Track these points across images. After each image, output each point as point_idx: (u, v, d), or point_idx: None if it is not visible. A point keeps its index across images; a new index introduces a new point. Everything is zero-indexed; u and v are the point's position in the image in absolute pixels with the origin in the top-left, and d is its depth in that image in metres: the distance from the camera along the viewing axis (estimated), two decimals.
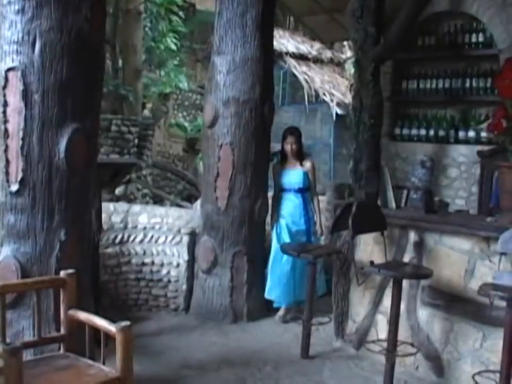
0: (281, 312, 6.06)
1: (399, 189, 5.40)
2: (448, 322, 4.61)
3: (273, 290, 6.09)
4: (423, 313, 4.81)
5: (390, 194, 5.31)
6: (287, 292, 6.01)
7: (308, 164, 6.30)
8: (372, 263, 4.58)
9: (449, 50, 7.28)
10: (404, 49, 6.92)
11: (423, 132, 7.58)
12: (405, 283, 4.68)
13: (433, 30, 7.44)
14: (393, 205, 5.27)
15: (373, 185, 5.50)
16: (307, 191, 6.30)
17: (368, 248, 5.23)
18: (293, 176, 6.23)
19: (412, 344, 4.76)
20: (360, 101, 5.63)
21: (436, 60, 7.48)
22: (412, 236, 4.95)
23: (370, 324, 5.20)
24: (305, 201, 6.26)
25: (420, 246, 4.89)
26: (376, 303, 5.17)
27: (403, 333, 4.75)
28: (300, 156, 6.31)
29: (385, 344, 4.55)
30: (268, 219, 6.40)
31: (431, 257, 4.80)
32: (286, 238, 6.11)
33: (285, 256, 5.87)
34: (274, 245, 6.14)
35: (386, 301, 4.92)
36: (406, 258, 4.96)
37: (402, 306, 4.66)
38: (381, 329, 5.05)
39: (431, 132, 7.49)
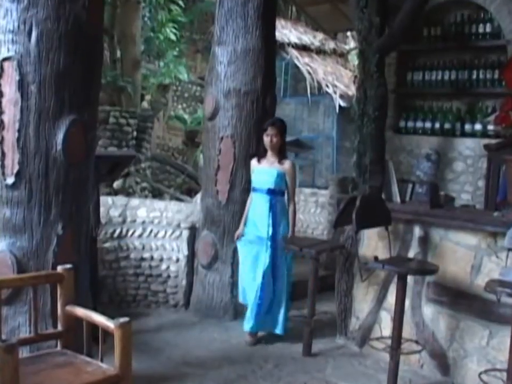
0: (247, 338, 5.43)
1: (404, 183, 5.40)
2: (453, 319, 4.60)
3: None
4: (428, 310, 4.80)
5: (395, 188, 5.29)
6: (259, 320, 5.42)
7: (287, 164, 5.48)
8: (376, 258, 4.56)
9: (455, 41, 7.28)
10: (409, 40, 6.90)
11: (428, 124, 7.58)
12: (410, 279, 4.66)
13: (439, 20, 7.44)
14: (398, 199, 5.25)
15: (377, 179, 5.50)
16: (279, 194, 5.49)
17: (372, 243, 5.21)
18: (266, 175, 5.47)
19: (417, 342, 4.75)
20: (364, 93, 5.63)
21: (441, 50, 7.48)
22: (417, 231, 4.94)
23: (374, 320, 5.20)
24: (274, 206, 5.43)
25: (425, 241, 4.87)
26: (380, 299, 5.16)
27: (408, 330, 4.74)
28: (281, 153, 5.51)
29: (389, 342, 4.53)
30: None
31: (436, 252, 4.78)
32: (245, 250, 5.54)
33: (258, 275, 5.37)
34: (242, 258, 5.62)
35: (391, 298, 4.91)
36: (411, 253, 4.95)
37: (407, 303, 4.65)
38: (385, 326, 5.05)
39: (437, 125, 7.48)
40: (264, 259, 5.37)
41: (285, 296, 5.46)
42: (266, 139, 5.42)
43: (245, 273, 5.52)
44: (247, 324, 5.41)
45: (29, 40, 3.70)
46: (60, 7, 3.71)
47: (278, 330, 5.45)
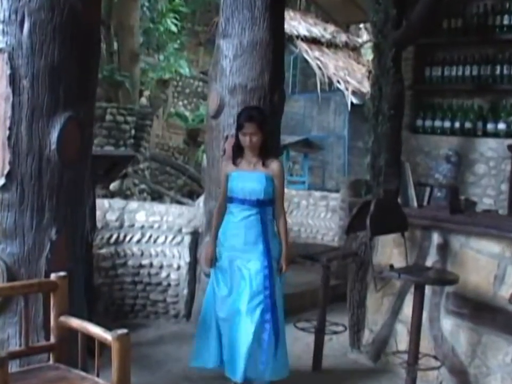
0: None
1: (422, 186, 5.40)
2: (475, 333, 4.58)
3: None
4: (447, 323, 4.79)
5: (411, 191, 5.29)
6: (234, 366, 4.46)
7: (274, 165, 4.56)
8: (391, 267, 4.55)
9: (477, 33, 7.26)
10: (427, 33, 6.87)
11: (447, 123, 7.56)
12: (428, 290, 4.65)
13: (460, 11, 7.41)
14: (415, 203, 5.25)
15: (392, 182, 5.49)
16: (269, 205, 4.56)
17: (387, 251, 5.20)
18: (251, 181, 4.52)
19: (435, 357, 4.73)
20: (379, 90, 5.61)
21: (462, 44, 7.47)
22: (436, 238, 4.93)
23: (389, 333, 5.18)
24: (265, 221, 4.54)
25: (444, 249, 4.86)
26: (396, 311, 5.15)
27: (425, 345, 4.73)
28: (264, 152, 4.59)
29: (405, 357, 4.52)
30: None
31: (456, 261, 4.77)
32: (225, 281, 4.59)
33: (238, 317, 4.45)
34: (209, 293, 4.73)
35: (407, 309, 4.90)
36: (429, 262, 4.94)
37: (425, 315, 4.64)
38: (401, 340, 5.03)
39: (457, 124, 7.46)
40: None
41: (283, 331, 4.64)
42: (243, 138, 4.53)
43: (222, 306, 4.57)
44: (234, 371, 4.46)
45: (21, 31, 3.68)
46: None
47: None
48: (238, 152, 4.64)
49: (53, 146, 3.71)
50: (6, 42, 3.69)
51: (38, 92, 3.68)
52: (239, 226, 4.52)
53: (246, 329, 4.35)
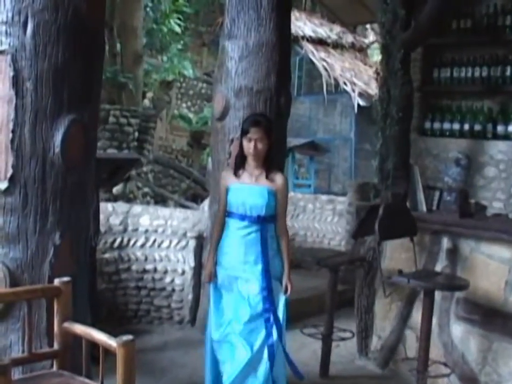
0: None
1: (430, 190, 5.38)
2: (486, 340, 4.57)
3: None
4: (457, 330, 4.78)
5: (420, 195, 5.28)
6: None
7: (278, 179, 4.31)
8: (400, 272, 4.54)
9: (487, 34, 7.21)
10: (436, 34, 6.86)
11: (456, 126, 7.52)
12: (437, 295, 4.64)
13: (469, 11, 7.37)
14: (424, 207, 5.24)
15: (401, 186, 5.47)
16: (271, 221, 4.32)
17: (396, 256, 5.20)
18: (253, 196, 4.27)
19: (445, 364, 4.73)
20: (387, 92, 5.59)
21: (472, 45, 7.42)
22: (445, 242, 4.93)
23: (397, 340, 5.18)
24: (266, 238, 4.28)
25: (453, 253, 4.86)
26: (404, 317, 5.14)
27: (435, 351, 4.72)
28: (268, 163, 4.34)
29: (414, 364, 4.52)
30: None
31: (466, 266, 4.76)
32: (227, 303, 4.37)
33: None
34: (212, 314, 4.43)
35: (416, 315, 4.89)
36: (438, 267, 4.94)
37: (434, 321, 4.63)
38: (410, 347, 5.03)
39: (466, 126, 7.43)
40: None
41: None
42: (247, 145, 4.27)
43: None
44: None
45: (24, 32, 3.68)
46: None
47: None
48: (240, 163, 4.37)
49: (57, 150, 3.71)
50: (9, 44, 3.68)
51: (41, 94, 3.68)
52: (238, 244, 4.29)
53: (241, 353, 4.18)
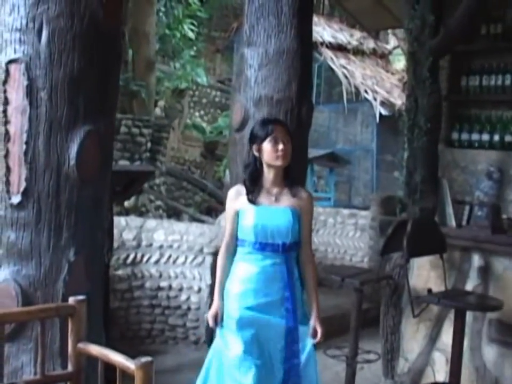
0: None
1: (460, 204, 5.36)
2: None
3: None
4: (490, 352, 4.74)
5: (450, 210, 5.27)
6: None
7: (304, 196, 3.74)
8: (429, 291, 4.52)
9: None
10: (467, 41, 6.84)
11: (486, 137, 7.49)
12: (468, 316, 4.61)
13: (500, 16, 7.35)
14: (453, 223, 5.23)
15: (429, 200, 5.47)
16: (294, 250, 3.71)
17: (424, 274, 5.17)
18: (273, 218, 3.64)
19: None
20: (415, 101, 5.61)
21: (502, 51, 7.39)
22: (476, 260, 4.89)
23: (425, 363, 5.14)
24: (292, 271, 3.69)
25: (485, 271, 4.83)
26: (433, 338, 5.11)
27: (466, 375, 4.68)
28: (289, 177, 3.76)
29: None
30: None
31: (499, 285, 4.73)
32: (236, 349, 3.68)
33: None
34: (212, 362, 4.02)
35: (445, 337, 4.86)
36: (469, 286, 4.90)
37: (465, 343, 4.59)
38: (439, 370, 4.99)
39: (496, 137, 7.39)
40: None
41: None
42: (273, 148, 3.63)
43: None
44: None
45: (39, 40, 3.70)
46: (74, 2, 3.70)
47: None
48: (252, 186, 3.71)
49: (72, 162, 3.71)
50: (23, 52, 3.69)
51: (56, 104, 3.68)
52: (257, 280, 3.63)
53: None
